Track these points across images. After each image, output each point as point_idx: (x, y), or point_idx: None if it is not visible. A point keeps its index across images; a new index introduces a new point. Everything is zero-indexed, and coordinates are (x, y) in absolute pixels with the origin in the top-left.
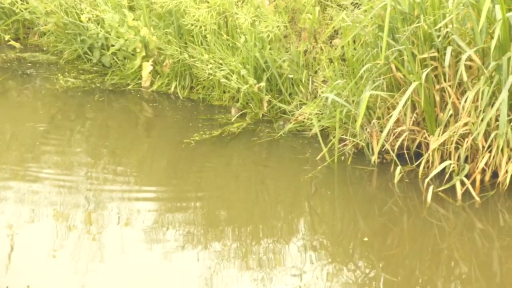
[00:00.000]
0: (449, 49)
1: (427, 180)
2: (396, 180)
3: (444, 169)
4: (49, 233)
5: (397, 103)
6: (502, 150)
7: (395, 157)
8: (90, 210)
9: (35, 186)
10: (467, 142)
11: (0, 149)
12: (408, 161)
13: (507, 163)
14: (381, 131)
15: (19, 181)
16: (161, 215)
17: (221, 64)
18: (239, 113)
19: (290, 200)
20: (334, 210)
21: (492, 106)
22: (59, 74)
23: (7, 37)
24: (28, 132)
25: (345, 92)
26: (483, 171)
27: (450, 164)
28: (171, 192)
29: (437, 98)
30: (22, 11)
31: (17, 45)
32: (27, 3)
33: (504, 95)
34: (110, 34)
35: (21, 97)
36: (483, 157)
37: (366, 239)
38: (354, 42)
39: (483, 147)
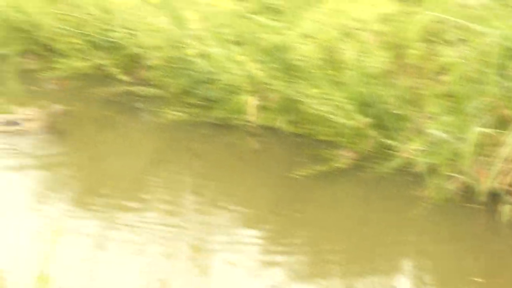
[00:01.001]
0: None
1: None
2: (505, 218)
3: None
4: (155, 266)
5: (506, 140)
6: None
7: (503, 195)
8: (196, 243)
9: (141, 218)
10: None
11: (107, 182)
12: None
13: None
14: (489, 168)
15: (125, 213)
16: (266, 249)
17: (327, 99)
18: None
19: (396, 237)
20: (441, 248)
21: None
22: (166, 108)
23: (116, 71)
24: (135, 165)
25: (451, 129)
26: None
27: None
28: (276, 227)
29: None
30: (130, 45)
31: (126, 78)
32: (136, 37)
33: None
34: (216, 69)
35: (129, 130)
36: None
37: (478, 279)
38: (461, 78)
39: None
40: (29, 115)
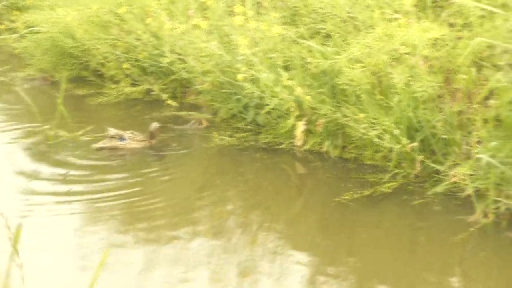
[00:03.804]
0: None
1: None
2: None
3: None
4: None
5: None
6: None
7: None
8: (242, 269)
9: (189, 243)
10: None
11: (153, 206)
12: None
13: None
14: None
15: (171, 237)
16: (311, 274)
17: (374, 123)
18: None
19: (441, 263)
20: (487, 275)
21: None
22: (215, 133)
23: (164, 96)
24: (182, 189)
25: (500, 153)
26: None
27: None
28: (322, 252)
29: None
30: (180, 70)
31: (174, 103)
32: (185, 62)
33: None
34: (265, 93)
35: (176, 154)
36: None
37: None
38: (510, 102)
39: None
40: (135, 133)
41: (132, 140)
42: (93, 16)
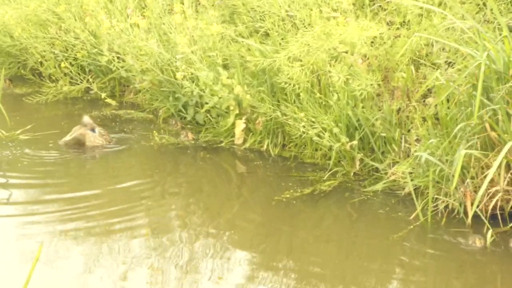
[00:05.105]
0: None
1: None
2: (488, 242)
3: None
4: None
5: (492, 162)
6: None
7: (489, 218)
8: (183, 268)
9: (129, 243)
10: None
11: (95, 206)
12: (501, 222)
13: None
14: (475, 191)
15: (113, 237)
16: (253, 274)
17: (314, 122)
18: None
19: (381, 261)
20: (426, 273)
21: None
22: (154, 131)
23: (103, 95)
24: (120, 188)
25: (438, 151)
26: None
27: None
28: (262, 251)
29: None
30: (118, 69)
31: (113, 102)
32: (124, 61)
33: None
34: (204, 92)
35: (115, 154)
36: None
37: None
38: (448, 101)
39: None
40: (103, 132)
41: (100, 136)
42: (31, 14)
